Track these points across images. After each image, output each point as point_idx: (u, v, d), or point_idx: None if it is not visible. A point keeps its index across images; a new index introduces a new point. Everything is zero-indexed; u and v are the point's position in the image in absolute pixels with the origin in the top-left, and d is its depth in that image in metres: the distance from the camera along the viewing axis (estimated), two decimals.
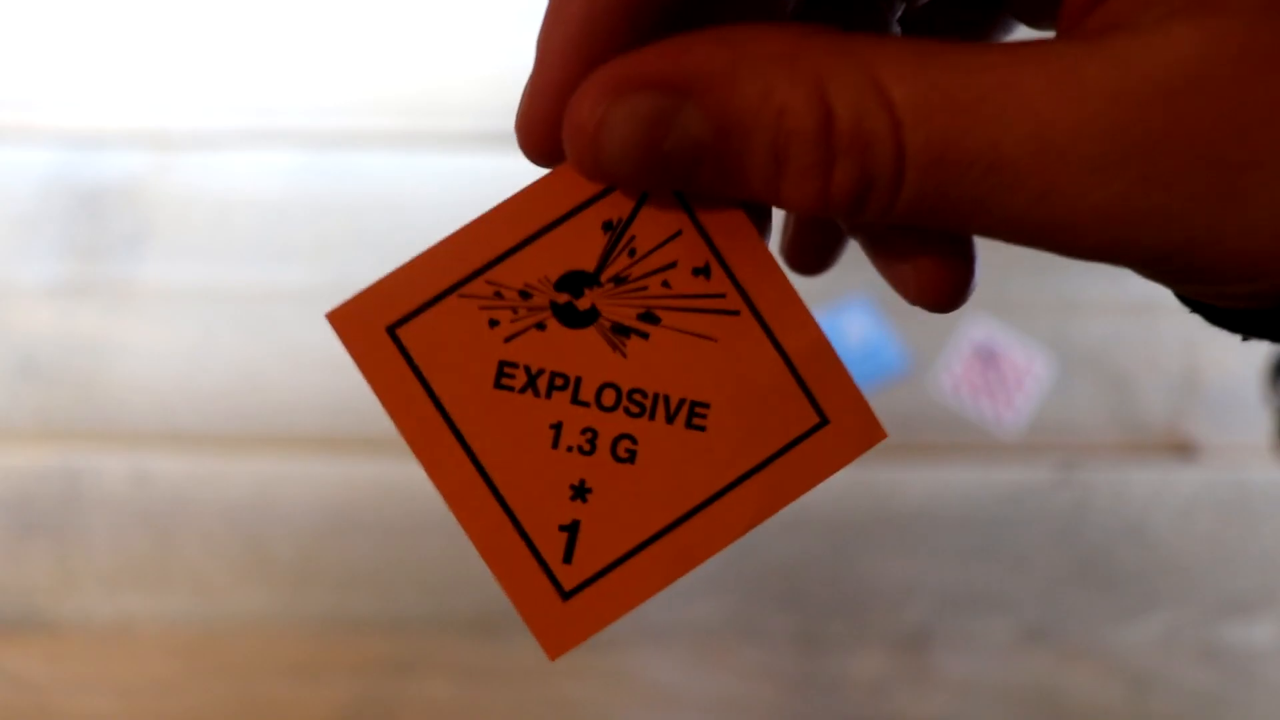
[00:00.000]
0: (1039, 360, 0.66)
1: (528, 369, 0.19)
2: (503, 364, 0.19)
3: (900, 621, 0.62)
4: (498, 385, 0.19)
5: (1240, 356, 0.66)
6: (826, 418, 0.19)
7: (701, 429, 0.19)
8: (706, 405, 0.19)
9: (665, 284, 0.19)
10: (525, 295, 0.19)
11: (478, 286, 0.19)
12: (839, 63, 0.16)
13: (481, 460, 0.19)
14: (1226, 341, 0.68)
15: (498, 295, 0.19)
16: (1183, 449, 0.65)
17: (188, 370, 0.65)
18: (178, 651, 0.61)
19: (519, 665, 0.60)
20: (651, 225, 0.19)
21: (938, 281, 0.19)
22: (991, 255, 0.22)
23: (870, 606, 0.62)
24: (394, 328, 0.19)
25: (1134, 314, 0.66)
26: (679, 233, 0.19)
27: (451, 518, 0.60)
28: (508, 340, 0.19)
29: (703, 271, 0.19)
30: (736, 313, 0.19)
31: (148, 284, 0.67)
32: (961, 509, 0.63)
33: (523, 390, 0.19)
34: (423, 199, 0.68)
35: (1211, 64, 0.15)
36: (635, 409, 0.19)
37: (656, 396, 0.19)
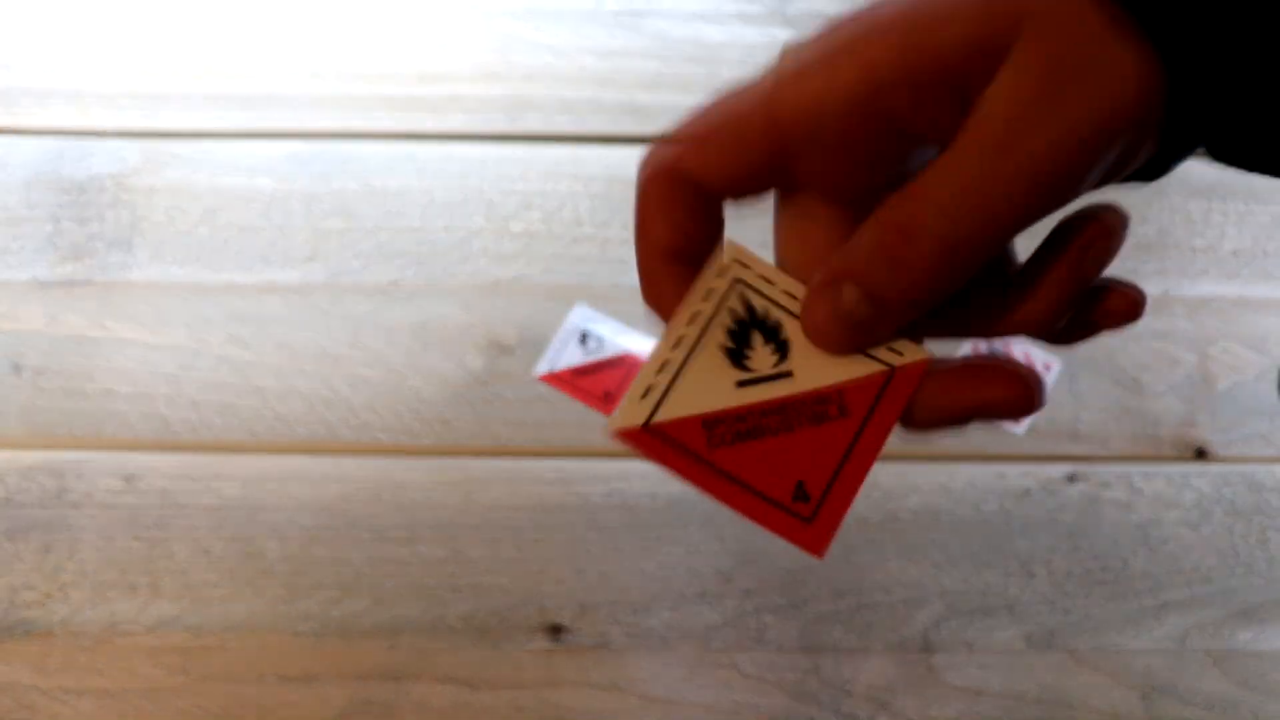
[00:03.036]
0: (1048, 361, 0.65)
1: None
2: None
3: (906, 627, 0.61)
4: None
5: (1252, 360, 0.66)
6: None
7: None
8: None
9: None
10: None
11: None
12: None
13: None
14: (1239, 343, 0.67)
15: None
16: (1194, 452, 0.64)
17: (177, 370, 0.64)
18: (167, 656, 0.60)
19: (515, 672, 0.60)
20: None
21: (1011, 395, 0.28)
22: None
23: (875, 612, 0.61)
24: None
25: (1147, 318, 0.65)
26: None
27: (447, 520, 0.60)
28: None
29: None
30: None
31: (137, 282, 0.66)
32: (969, 512, 0.63)
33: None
34: (415, 193, 0.68)
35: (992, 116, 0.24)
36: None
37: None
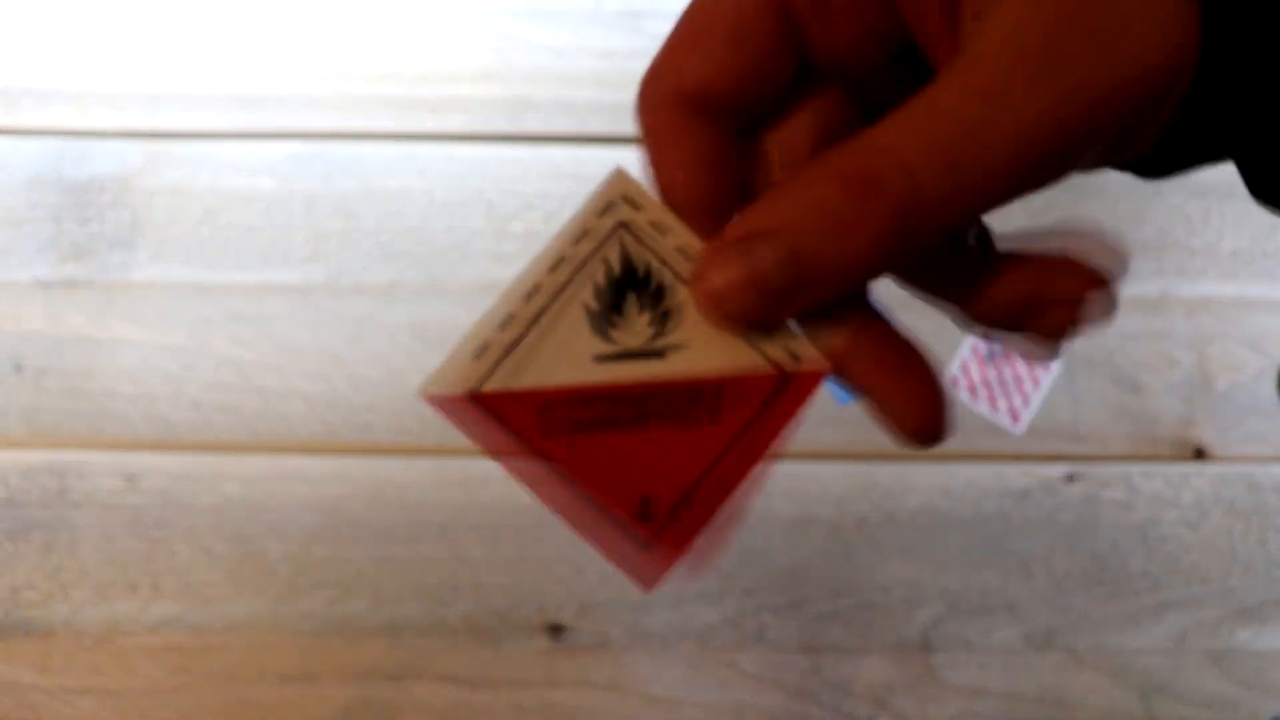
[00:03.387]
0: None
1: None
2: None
3: (905, 626, 0.61)
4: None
5: (1251, 359, 0.66)
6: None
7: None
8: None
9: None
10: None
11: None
12: (854, 153, 0.21)
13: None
14: (1238, 344, 0.67)
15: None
16: (1193, 452, 0.64)
17: (179, 370, 0.64)
18: (169, 656, 0.60)
19: (515, 672, 0.60)
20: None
21: (917, 415, 0.23)
22: None
23: (875, 611, 0.61)
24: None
25: (1145, 314, 0.66)
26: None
27: (447, 519, 0.60)
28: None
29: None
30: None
31: (138, 282, 0.66)
32: (968, 512, 0.63)
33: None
34: (416, 194, 0.68)
35: (1020, 27, 0.20)
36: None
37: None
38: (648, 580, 0.22)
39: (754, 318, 0.22)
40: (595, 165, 0.68)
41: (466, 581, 0.61)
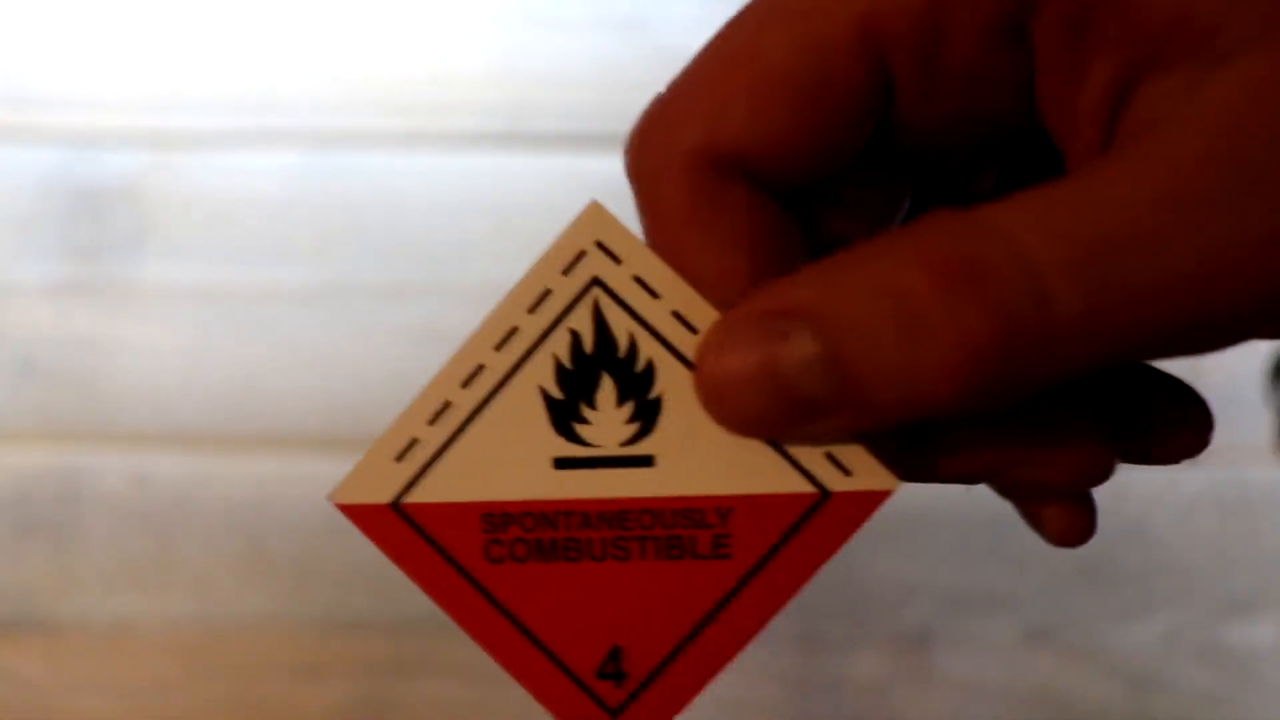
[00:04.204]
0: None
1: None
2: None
3: (901, 622, 0.62)
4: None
5: (1241, 356, 0.66)
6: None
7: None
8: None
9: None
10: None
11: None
12: (949, 225, 0.14)
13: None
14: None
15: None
16: None
17: (187, 370, 0.65)
18: (177, 651, 0.60)
19: None
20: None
21: (1070, 526, 0.20)
22: None
23: (871, 607, 0.62)
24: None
25: None
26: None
27: None
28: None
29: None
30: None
31: (147, 284, 0.67)
32: (963, 509, 0.63)
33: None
34: (423, 199, 0.68)
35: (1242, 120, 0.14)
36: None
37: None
38: None
39: (770, 430, 0.16)
40: (598, 171, 0.69)
41: None
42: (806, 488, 0.17)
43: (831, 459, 0.17)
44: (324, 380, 0.65)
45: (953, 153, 0.18)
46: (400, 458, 0.17)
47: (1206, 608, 0.62)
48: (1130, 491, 0.64)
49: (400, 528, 0.17)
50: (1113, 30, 0.14)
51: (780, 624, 0.60)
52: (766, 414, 0.15)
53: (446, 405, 0.18)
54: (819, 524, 0.17)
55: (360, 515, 0.18)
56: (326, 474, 0.65)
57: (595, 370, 0.17)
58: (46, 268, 0.67)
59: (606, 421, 0.17)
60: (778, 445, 0.16)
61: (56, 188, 0.69)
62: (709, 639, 0.17)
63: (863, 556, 0.62)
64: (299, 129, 0.70)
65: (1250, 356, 0.66)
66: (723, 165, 0.16)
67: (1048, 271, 0.13)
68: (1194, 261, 0.13)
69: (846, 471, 0.17)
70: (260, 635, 0.61)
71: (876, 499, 0.17)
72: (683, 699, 0.17)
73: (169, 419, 0.64)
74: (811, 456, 0.17)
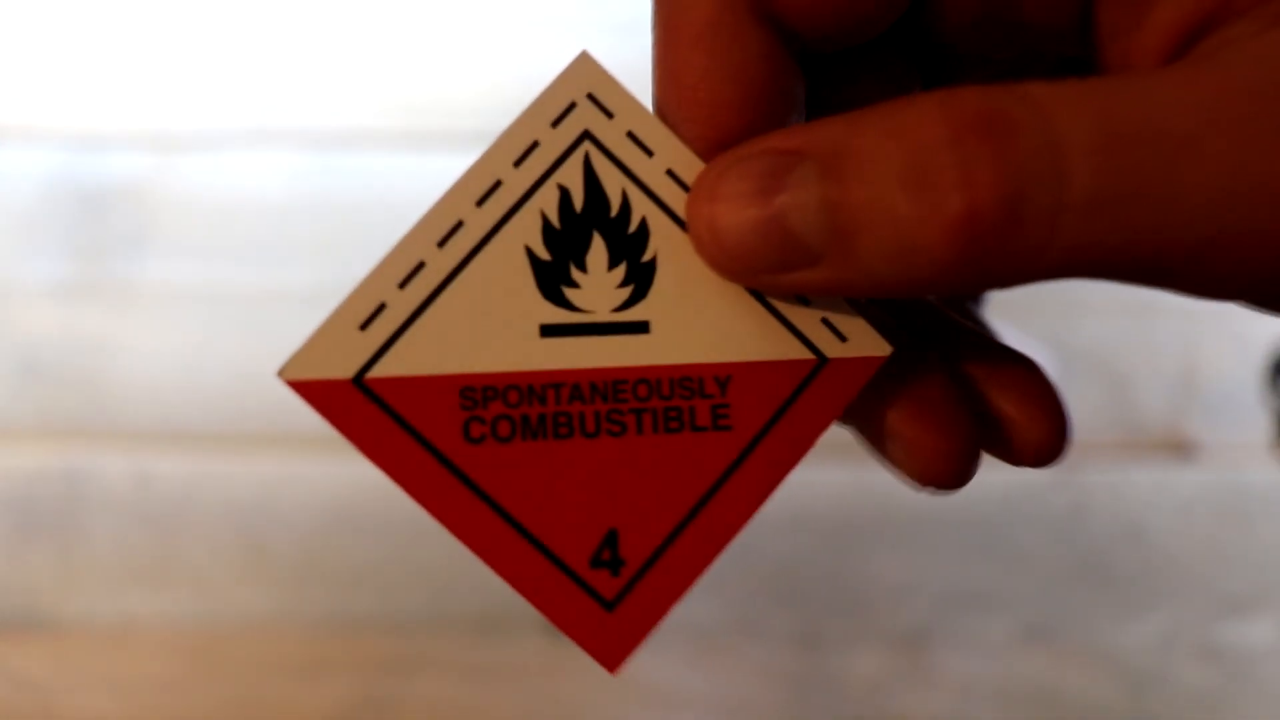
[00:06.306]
0: (1037, 359, 0.66)
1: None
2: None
3: (899, 620, 0.62)
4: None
5: (1238, 357, 0.66)
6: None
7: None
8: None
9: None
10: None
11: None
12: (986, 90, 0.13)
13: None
14: (1225, 341, 0.68)
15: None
16: (1181, 449, 0.65)
17: (189, 370, 0.65)
18: (179, 651, 0.61)
19: (520, 664, 0.61)
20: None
21: (938, 455, 0.17)
22: None
23: (869, 605, 0.62)
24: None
25: (1133, 314, 0.66)
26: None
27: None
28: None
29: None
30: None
31: (150, 284, 0.67)
32: (960, 508, 0.63)
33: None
34: (425, 200, 0.69)
35: None
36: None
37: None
38: (608, 655, 0.16)
39: (758, 273, 0.14)
40: None
41: (471, 576, 0.62)
42: (805, 354, 0.15)
43: (828, 324, 0.15)
44: None
45: (980, 64, 0.17)
46: (365, 325, 0.15)
47: (1204, 607, 0.63)
48: (1127, 491, 0.64)
49: (365, 407, 0.15)
50: None
51: (779, 623, 0.61)
52: (756, 254, 0.14)
53: (420, 266, 0.16)
54: (816, 391, 0.15)
55: (317, 393, 0.15)
56: (327, 474, 0.66)
57: (586, 230, 0.15)
58: (49, 268, 0.68)
59: (598, 285, 0.15)
60: (775, 310, 0.15)
61: (59, 188, 0.69)
62: (709, 518, 0.16)
63: (861, 556, 0.63)
64: (299, 129, 0.70)
65: (1247, 357, 0.66)
66: (754, 1, 0.15)
67: (1070, 145, 0.12)
68: (1222, 177, 0.12)
69: (842, 338, 0.15)
70: (261, 634, 0.61)
71: (871, 365, 0.15)
72: (680, 587, 0.16)
73: (171, 419, 0.65)
74: (809, 322, 0.15)
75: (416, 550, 0.62)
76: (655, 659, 0.61)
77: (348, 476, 0.63)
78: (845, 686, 0.61)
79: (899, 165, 0.13)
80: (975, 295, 0.20)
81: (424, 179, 0.69)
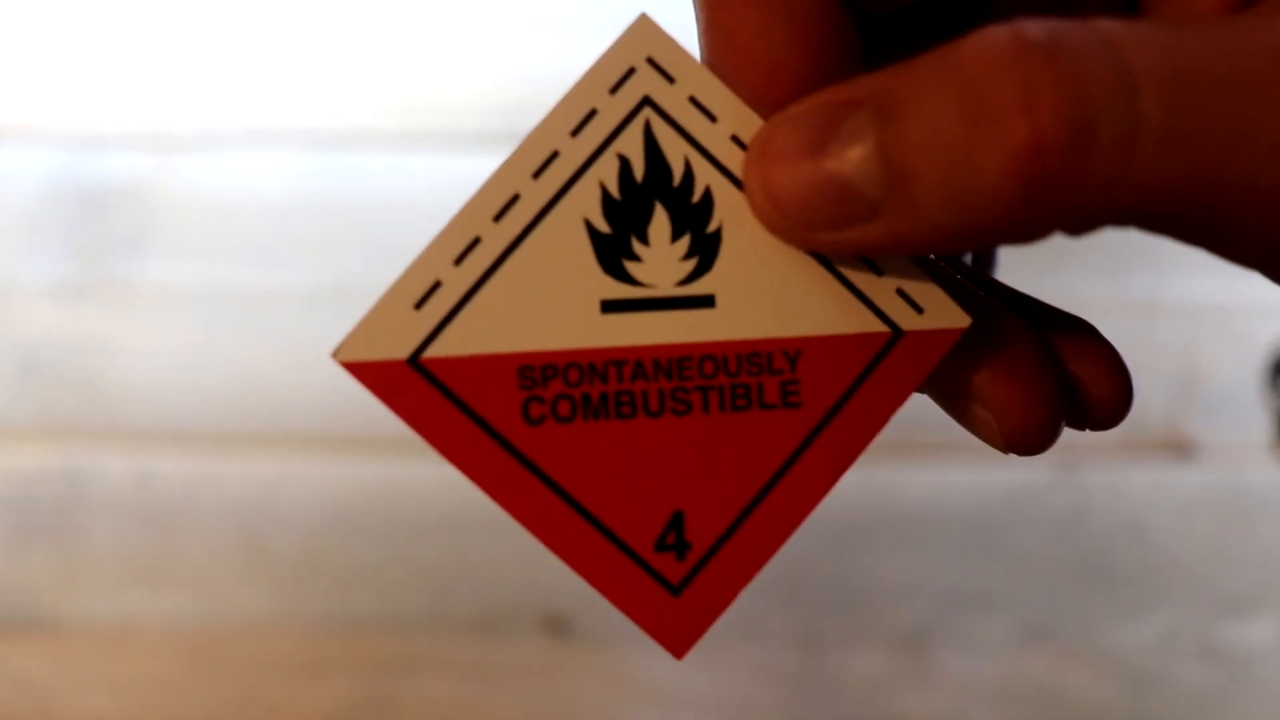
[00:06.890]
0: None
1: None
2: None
3: (900, 620, 0.62)
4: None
5: (1238, 357, 0.66)
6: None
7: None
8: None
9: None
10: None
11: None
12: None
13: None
14: (1225, 341, 0.68)
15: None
16: (1181, 449, 0.65)
17: (189, 370, 0.65)
18: (179, 651, 0.61)
19: (520, 664, 0.61)
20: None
21: (1031, 419, 0.17)
22: None
23: (870, 605, 0.62)
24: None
25: (1133, 314, 0.66)
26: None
27: (452, 514, 0.60)
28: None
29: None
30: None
31: (150, 285, 0.67)
32: (961, 508, 0.63)
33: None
34: (426, 200, 0.69)
35: None
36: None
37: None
38: (674, 641, 0.16)
39: (815, 231, 0.14)
40: None
41: (471, 575, 0.62)
42: (879, 327, 0.14)
43: (903, 294, 0.14)
44: (325, 380, 0.65)
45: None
46: (420, 304, 0.15)
47: (1204, 607, 0.63)
48: (1127, 492, 0.64)
49: (421, 387, 0.14)
50: None
51: (779, 623, 0.61)
52: (812, 210, 0.13)
53: (475, 241, 0.15)
54: (891, 365, 0.15)
55: (372, 374, 0.15)
56: (327, 474, 0.66)
57: (647, 200, 0.15)
58: (50, 268, 0.68)
59: (660, 258, 0.14)
60: (847, 282, 0.14)
61: (59, 188, 0.69)
62: (777, 500, 0.15)
63: (861, 556, 0.63)
64: (299, 129, 0.70)
65: (1247, 357, 0.66)
66: None
67: (1142, 74, 0.12)
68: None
69: (919, 309, 0.15)
70: (261, 634, 0.61)
71: (949, 337, 0.15)
72: (748, 571, 0.15)
73: (171, 419, 0.65)
74: (883, 293, 0.14)
75: (416, 550, 0.62)
76: (655, 659, 0.61)
77: (348, 476, 0.63)
78: (845, 686, 0.61)
79: (957, 98, 0.12)
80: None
81: (424, 179, 0.69)
